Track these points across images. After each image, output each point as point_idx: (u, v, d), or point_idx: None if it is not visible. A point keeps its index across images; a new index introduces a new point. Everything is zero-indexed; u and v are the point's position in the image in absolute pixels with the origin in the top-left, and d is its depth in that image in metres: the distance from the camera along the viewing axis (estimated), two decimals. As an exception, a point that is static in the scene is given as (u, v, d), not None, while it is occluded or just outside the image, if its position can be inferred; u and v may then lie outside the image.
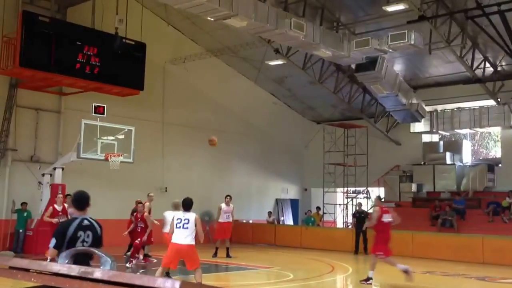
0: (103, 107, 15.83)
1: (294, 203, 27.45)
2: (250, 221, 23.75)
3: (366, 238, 18.30)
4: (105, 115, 15.83)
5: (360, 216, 19.15)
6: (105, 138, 16.21)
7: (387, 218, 11.90)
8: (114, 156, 16.07)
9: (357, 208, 20.27)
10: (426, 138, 24.11)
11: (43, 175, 17.10)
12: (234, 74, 23.61)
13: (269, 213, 24.27)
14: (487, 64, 19.39)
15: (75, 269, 3.22)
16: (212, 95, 23.06)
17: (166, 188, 20.75)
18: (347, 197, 25.36)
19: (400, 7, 17.02)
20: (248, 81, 24.06)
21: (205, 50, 21.69)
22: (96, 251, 4.40)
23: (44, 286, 3.33)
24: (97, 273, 3.07)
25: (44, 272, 3.37)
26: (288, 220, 27.07)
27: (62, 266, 3.47)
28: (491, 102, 20.98)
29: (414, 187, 23.31)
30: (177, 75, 21.68)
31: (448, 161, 22.72)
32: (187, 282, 2.68)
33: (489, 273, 14.24)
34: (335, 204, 26.14)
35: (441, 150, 23.28)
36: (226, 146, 23.82)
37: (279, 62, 20.97)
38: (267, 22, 14.74)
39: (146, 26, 18.49)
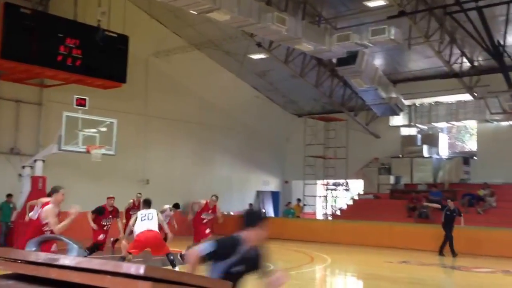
0: (85, 99, 15.78)
1: (275, 195, 27.73)
2: (232, 213, 23.95)
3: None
4: (87, 108, 15.80)
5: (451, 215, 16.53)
6: (87, 130, 16.19)
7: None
8: (95, 148, 16.07)
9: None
10: (404, 131, 24.54)
11: (23, 167, 16.99)
12: (216, 67, 23.70)
13: (250, 205, 24.51)
14: (464, 59, 19.81)
15: (42, 256, 3.15)
16: (194, 88, 23.15)
17: (148, 180, 20.84)
18: (327, 189, 25.75)
19: (381, 2, 17.35)
20: (230, 74, 24.19)
21: (188, 44, 21.75)
22: (63, 238, 4.36)
23: (13, 273, 3.24)
24: (64, 260, 3.01)
25: (11, 259, 3.28)
26: (269, 211, 27.35)
27: (29, 253, 3.40)
28: (467, 97, 21.42)
29: (392, 179, 23.79)
30: (160, 68, 21.71)
31: (425, 154, 23.22)
32: (151, 266, 2.78)
33: (463, 263, 14.67)
34: (315, 196, 26.51)
35: (419, 143, 23.75)
36: (208, 139, 24.02)
37: (262, 56, 21.14)
38: (249, 16, 14.88)
39: (129, 19, 18.49)
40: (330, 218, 24.46)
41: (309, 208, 26.16)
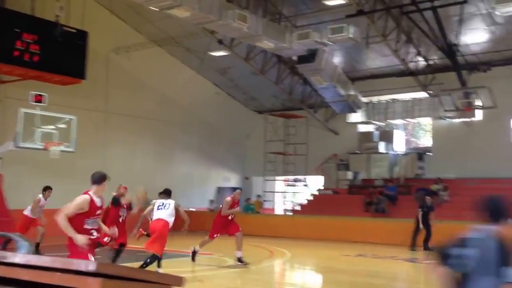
0: (43, 95, 15.53)
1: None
2: (192, 209, 23.98)
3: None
4: (45, 104, 15.56)
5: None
6: (45, 127, 15.93)
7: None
8: (54, 145, 15.84)
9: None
10: (362, 128, 25.07)
11: (-21, 164, 16.65)
12: (177, 64, 23.63)
13: (211, 201, 24.63)
14: (420, 58, 20.38)
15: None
16: (155, 85, 23.04)
17: (109, 177, 20.62)
18: (287, 185, 26.11)
19: (340, 1, 17.69)
20: (191, 71, 24.16)
21: (148, 40, 21.63)
22: (13, 236, 4.36)
23: None
24: (13, 258, 2.98)
25: None
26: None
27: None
28: (423, 94, 22.06)
29: (350, 175, 24.30)
30: (120, 64, 21.51)
31: (382, 150, 23.82)
32: (102, 263, 2.80)
33: (418, 255, 15.18)
34: (274, 192, 26.82)
35: (376, 140, 24.33)
36: (169, 136, 23.97)
37: (223, 53, 21.22)
38: (210, 13, 14.97)
39: (89, 14, 18.26)
40: (290, 213, 24.80)
41: (269, 204, 26.45)
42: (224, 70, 24.05)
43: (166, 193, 10.96)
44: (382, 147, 23.84)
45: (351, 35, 16.35)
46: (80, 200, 6.14)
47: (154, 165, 23.04)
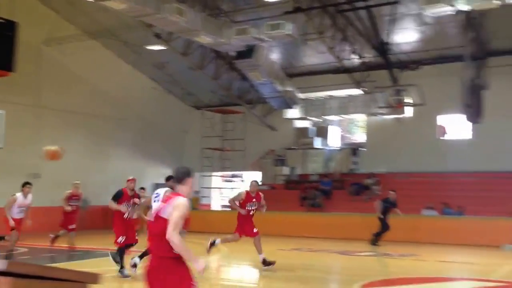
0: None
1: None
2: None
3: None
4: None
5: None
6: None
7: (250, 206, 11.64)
8: (-21, 141, 15.14)
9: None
10: (298, 124, 25.45)
11: None
12: (113, 58, 23.08)
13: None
14: (355, 56, 20.92)
15: None
16: (90, 79, 22.42)
17: (40, 174, 19.94)
18: (224, 181, 26.15)
19: (278, -2, 17.85)
20: (127, 65, 23.69)
21: (82, 32, 21.02)
22: None
23: None
24: None
25: None
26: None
27: None
28: (357, 91, 22.65)
29: (287, 170, 24.63)
30: (53, 57, 20.78)
31: (318, 146, 24.28)
32: (14, 261, 2.76)
33: (349, 248, 15.63)
34: (211, 188, 26.79)
35: (312, 136, 24.76)
36: (105, 131, 23.44)
37: (160, 47, 20.92)
38: (147, 6, 14.74)
39: (19, 4, 17.50)
40: (227, 209, 24.83)
41: (206, 200, 26.40)
42: (161, 64, 23.73)
43: (169, 179, 9.35)
44: (318, 142, 24.31)
45: (288, 32, 16.55)
46: (184, 208, 4.66)
47: (88, 161, 22.45)
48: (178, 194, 4.79)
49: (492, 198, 18.64)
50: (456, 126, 21.62)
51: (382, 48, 19.74)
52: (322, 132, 24.92)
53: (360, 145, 24.66)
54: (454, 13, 14.98)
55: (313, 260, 13.84)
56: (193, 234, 18.84)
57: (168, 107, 26.33)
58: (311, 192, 21.68)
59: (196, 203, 24.63)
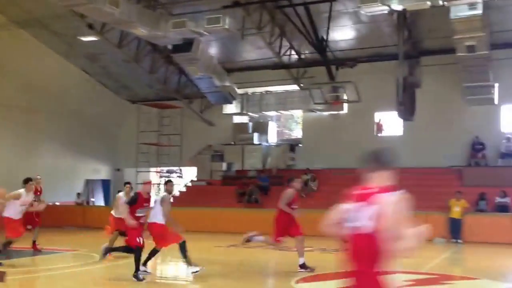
0: None
1: (105, 184, 26.89)
2: (57, 203, 22.71)
3: None
4: None
5: None
6: None
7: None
8: None
9: None
10: (236, 119, 25.34)
11: None
12: (43, 49, 22.08)
13: (78, 194, 23.53)
14: (293, 52, 21.00)
15: None
16: (18, 71, 21.36)
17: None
18: (160, 177, 25.66)
19: (215, -9, 17.61)
20: (58, 56, 22.75)
21: (9, 21, 19.95)
22: None
23: None
24: None
25: None
26: (99, 201, 26.49)
27: None
28: (295, 87, 22.78)
29: (224, 166, 24.47)
30: (-23, 46, 19.69)
31: (256, 141, 24.28)
32: None
33: (286, 244, 15.63)
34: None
35: (250, 131, 24.73)
36: (33, 125, 22.46)
37: (93, 38, 20.18)
38: (80, -5, 14.16)
39: None
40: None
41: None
42: (95, 56, 22.97)
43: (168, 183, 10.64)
44: (256, 138, 24.29)
45: (227, 26, 16.38)
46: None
47: (17, 157, 21.49)
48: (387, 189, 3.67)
49: (422, 193, 19.18)
50: (391, 123, 22.17)
51: (320, 45, 19.91)
52: (260, 127, 24.93)
53: (298, 141, 24.84)
54: (388, 12, 15.27)
55: (250, 256, 13.76)
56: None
57: (101, 100, 25.52)
58: (249, 188, 21.61)
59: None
